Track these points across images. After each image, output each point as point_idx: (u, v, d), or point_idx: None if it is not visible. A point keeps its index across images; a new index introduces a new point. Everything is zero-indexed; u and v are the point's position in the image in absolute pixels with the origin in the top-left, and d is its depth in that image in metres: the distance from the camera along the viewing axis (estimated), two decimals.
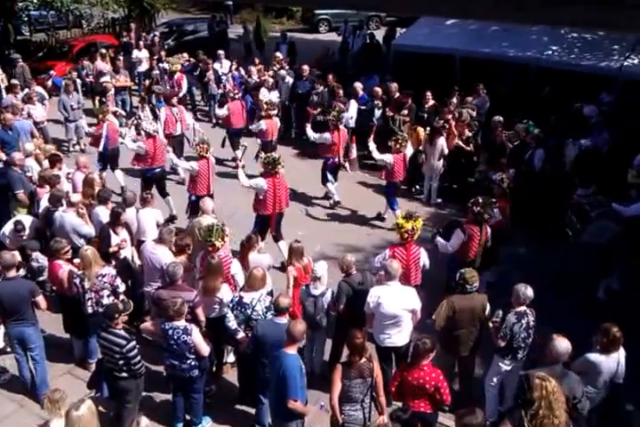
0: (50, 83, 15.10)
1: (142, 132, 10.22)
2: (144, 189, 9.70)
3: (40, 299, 6.36)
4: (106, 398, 5.89)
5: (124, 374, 5.69)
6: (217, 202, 8.91)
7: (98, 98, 14.53)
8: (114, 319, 5.67)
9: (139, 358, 5.71)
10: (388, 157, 9.76)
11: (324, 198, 11.25)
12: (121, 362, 5.63)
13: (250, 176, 9.33)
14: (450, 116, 11.14)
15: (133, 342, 5.66)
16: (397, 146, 9.73)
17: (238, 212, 9.65)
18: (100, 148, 10.70)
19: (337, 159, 10.79)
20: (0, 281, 6.39)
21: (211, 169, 9.29)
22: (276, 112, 11.64)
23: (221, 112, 12.17)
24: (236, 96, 12.26)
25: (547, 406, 4.40)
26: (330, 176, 10.93)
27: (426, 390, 5.25)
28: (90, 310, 6.54)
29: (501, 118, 10.85)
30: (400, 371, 5.49)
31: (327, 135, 10.59)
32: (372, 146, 10.11)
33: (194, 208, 9.12)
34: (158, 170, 10.08)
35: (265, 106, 11.42)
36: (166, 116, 11.62)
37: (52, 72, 15.79)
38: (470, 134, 11.05)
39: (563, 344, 5.15)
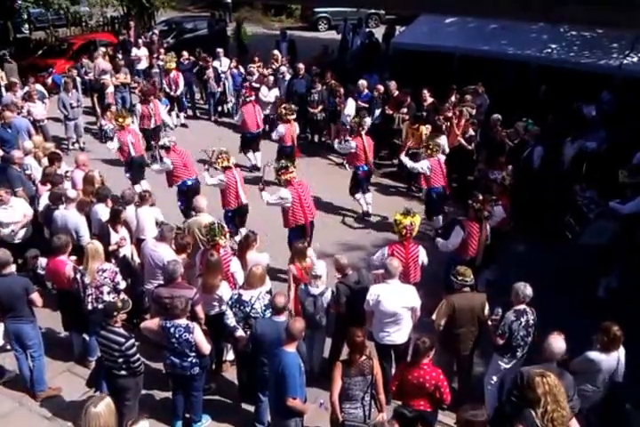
0: (50, 80, 15.08)
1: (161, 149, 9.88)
2: (185, 205, 9.47)
3: (35, 296, 6.33)
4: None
5: (124, 372, 5.68)
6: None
7: (96, 95, 14.52)
8: (113, 317, 5.66)
9: (138, 355, 5.70)
10: (422, 164, 9.56)
11: (323, 196, 11.23)
12: (120, 360, 5.62)
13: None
14: (450, 114, 11.15)
15: (132, 340, 5.65)
16: (429, 151, 9.57)
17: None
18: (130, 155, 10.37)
19: (367, 167, 10.33)
20: None
21: (239, 178, 8.89)
22: (294, 117, 11.31)
23: (237, 118, 12.07)
24: (248, 99, 11.96)
25: (553, 400, 4.43)
26: (360, 188, 10.51)
27: (426, 389, 5.26)
28: (89, 307, 6.53)
29: (500, 116, 10.83)
30: (400, 370, 5.50)
31: (351, 143, 10.26)
32: (404, 159, 10.01)
33: (234, 224, 8.96)
34: (191, 182, 9.53)
35: (283, 110, 11.18)
36: (142, 112, 11.83)
37: (51, 70, 15.75)
38: (473, 133, 11.04)
39: (557, 343, 5.17)
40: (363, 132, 10.26)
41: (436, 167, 9.55)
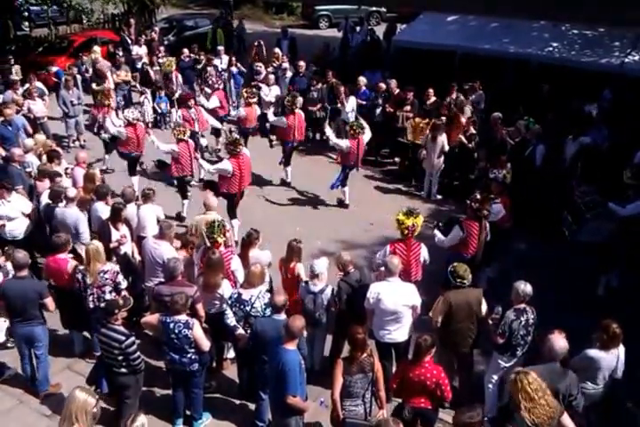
0: (54, 69, 15.11)
1: (124, 120, 10.65)
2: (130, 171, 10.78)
3: (49, 301, 6.32)
4: (105, 394, 5.89)
5: (124, 370, 5.69)
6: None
7: (95, 84, 14.50)
8: (113, 315, 5.66)
9: (138, 353, 5.71)
10: (345, 142, 10.25)
11: (324, 195, 11.25)
12: (120, 358, 5.62)
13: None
14: (446, 112, 11.15)
15: (132, 338, 5.65)
16: (352, 132, 10.22)
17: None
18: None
19: (294, 143, 11.28)
20: (10, 280, 6.41)
21: (191, 151, 9.74)
22: (256, 100, 11.95)
23: (238, 113, 11.87)
24: (218, 86, 12.78)
25: (527, 398, 4.49)
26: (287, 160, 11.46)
27: (427, 387, 5.26)
28: (91, 306, 6.55)
29: (500, 115, 10.83)
30: (401, 368, 5.49)
31: (283, 119, 11.06)
32: (328, 131, 10.70)
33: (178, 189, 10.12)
34: (134, 155, 10.70)
35: (245, 94, 11.76)
36: (183, 118, 11.24)
37: (52, 68, 15.69)
38: (474, 131, 11.04)
39: (560, 342, 5.15)
40: (296, 111, 11.13)
41: (353, 148, 10.20)
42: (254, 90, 12.17)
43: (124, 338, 5.58)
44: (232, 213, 9.38)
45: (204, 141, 11.62)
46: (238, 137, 9.54)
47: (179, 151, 9.59)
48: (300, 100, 11.46)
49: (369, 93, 12.58)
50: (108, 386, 5.84)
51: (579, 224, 9.17)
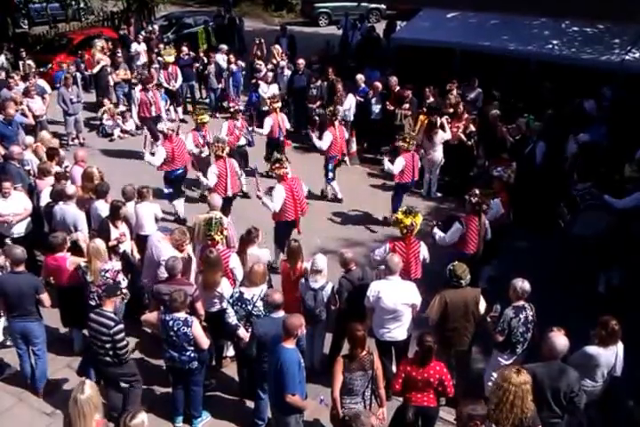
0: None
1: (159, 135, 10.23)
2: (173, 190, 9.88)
3: (44, 296, 6.33)
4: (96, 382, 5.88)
5: (109, 359, 5.70)
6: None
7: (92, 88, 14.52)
8: (112, 296, 5.72)
9: (125, 342, 5.72)
10: (400, 160, 9.37)
11: (324, 192, 11.23)
12: (108, 346, 5.63)
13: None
14: (451, 111, 11.11)
15: (121, 326, 5.67)
16: (406, 145, 9.39)
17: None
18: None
19: (339, 156, 10.60)
20: (7, 274, 6.41)
21: (229, 168, 8.93)
22: (280, 105, 11.28)
23: (265, 128, 11.01)
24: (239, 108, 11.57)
25: (498, 398, 4.61)
26: (330, 174, 10.69)
27: (431, 384, 5.28)
28: (93, 303, 6.53)
29: (499, 112, 10.79)
30: (404, 369, 5.43)
31: (329, 135, 10.34)
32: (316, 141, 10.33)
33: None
34: (180, 171, 9.87)
35: (268, 100, 11.20)
36: (141, 100, 12.27)
37: (50, 65, 15.69)
38: (474, 129, 11.01)
39: (561, 341, 5.13)
40: (336, 122, 10.41)
41: (408, 163, 9.42)
42: (276, 93, 11.64)
43: (113, 324, 5.59)
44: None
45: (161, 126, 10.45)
46: (280, 155, 8.54)
47: (217, 171, 8.82)
48: (340, 109, 10.70)
49: (367, 91, 12.55)
50: (95, 376, 5.90)
51: (573, 215, 9.11)
